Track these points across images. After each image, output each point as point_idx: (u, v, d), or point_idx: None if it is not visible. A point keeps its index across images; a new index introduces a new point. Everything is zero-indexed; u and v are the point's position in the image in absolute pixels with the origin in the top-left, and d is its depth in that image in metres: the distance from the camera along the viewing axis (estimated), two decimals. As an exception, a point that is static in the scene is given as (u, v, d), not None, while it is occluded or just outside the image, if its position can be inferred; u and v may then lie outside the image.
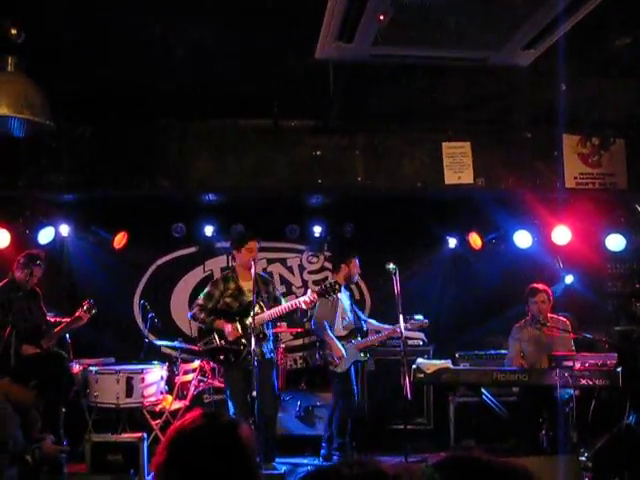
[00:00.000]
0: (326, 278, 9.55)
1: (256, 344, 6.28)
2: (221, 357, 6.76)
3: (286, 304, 6.67)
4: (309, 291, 6.61)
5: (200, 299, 6.95)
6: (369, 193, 7.67)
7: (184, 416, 2.16)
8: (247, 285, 6.70)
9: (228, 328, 6.62)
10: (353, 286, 8.93)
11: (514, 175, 7.34)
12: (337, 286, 6.56)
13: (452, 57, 4.55)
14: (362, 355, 7.47)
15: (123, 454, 5.50)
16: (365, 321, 7.69)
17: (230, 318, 6.68)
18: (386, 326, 7.58)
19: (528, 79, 5.83)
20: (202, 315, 6.82)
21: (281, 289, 9.33)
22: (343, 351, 7.22)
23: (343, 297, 7.45)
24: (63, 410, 6.59)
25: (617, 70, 5.80)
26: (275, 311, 6.61)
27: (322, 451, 7.38)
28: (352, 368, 7.37)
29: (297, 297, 7.13)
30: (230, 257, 8.61)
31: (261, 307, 6.64)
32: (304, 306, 6.56)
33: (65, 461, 5.82)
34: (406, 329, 7.07)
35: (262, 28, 4.90)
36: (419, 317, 7.33)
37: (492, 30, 4.13)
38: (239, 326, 6.61)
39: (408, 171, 7.22)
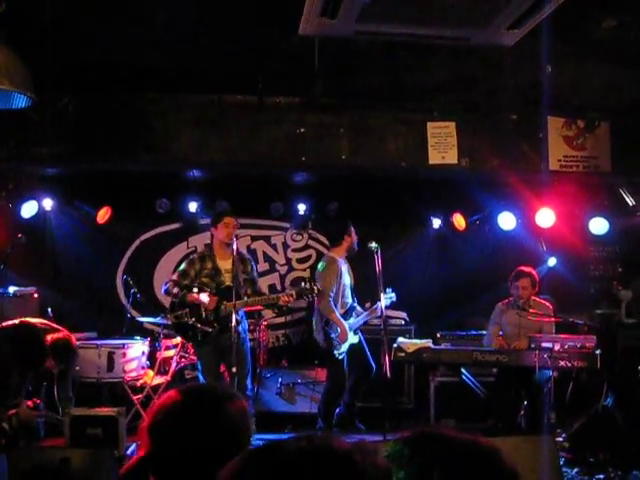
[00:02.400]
0: (310, 256, 9.57)
1: (224, 325, 6.33)
2: (190, 334, 6.77)
3: (263, 298, 6.64)
4: (287, 290, 6.61)
5: (175, 275, 6.95)
6: (353, 172, 7.66)
7: (165, 393, 2.11)
8: (225, 264, 6.69)
9: (205, 297, 6.62)
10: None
11: (498, 156, 7.34)
12: (316, 289, 6.55)
13: (437, 35, 4.54)
14: (355, 336, 7.38)
15: (102, 428, 5.49)
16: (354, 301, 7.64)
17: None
18: (362, 310, 7.57)
19: (514, 60, 5.82)
20: (175, 289, 6.79)
21: (265, 267, 9.34)
22: (349, 334, 7.18)
23: (345, 272, 7.34)
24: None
25: (603, 53, 5.79)
26: (251, 302, 6.61)
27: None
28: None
29: (280, 276, 7.07)
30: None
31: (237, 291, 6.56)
32: (281, 303, 6.55)
33: (42, 426, 5.84)
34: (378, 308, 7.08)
35: (246, 2, 4.87)
36: (389, 292, 7.25)
37: (477, 9, 4.12)
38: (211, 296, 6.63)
39: (392, 150, 7.21)
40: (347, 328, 7.14)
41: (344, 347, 7.20)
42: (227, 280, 6.62)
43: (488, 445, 1.39)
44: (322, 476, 0.99)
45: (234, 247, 6.43)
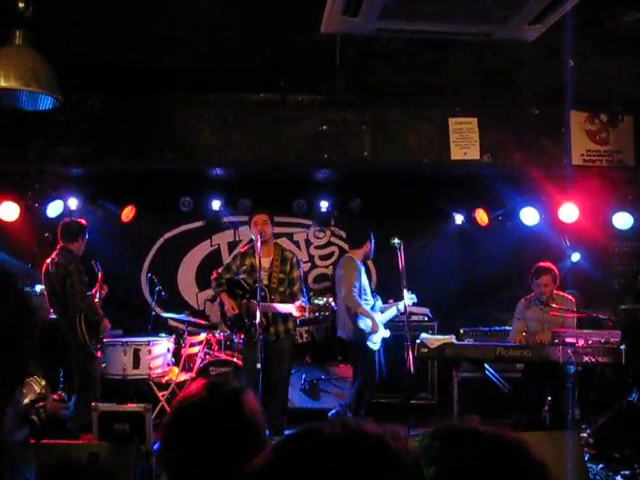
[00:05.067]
0: (332, 253, 9.60)
1: (260, 327, 6.32)
2: (228, 323, 6.85)
3: (280, 307, 6.56)
4: (303, 305, 6.52)
5: (221, 268, 7.04)
6: (376, 168, 7.67)
7: (188, 386, 2.16)
8: (264, 262, 6.63)
9: (227, 305, 6.69)
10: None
11: (521, 152, 7.31)
12: (329, 306, 6.48)
13: (458, 32, 4.53)
14: (386, 331, 7.40)
15: (130, 423, 5.55)
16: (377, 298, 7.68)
17: (240, 294, 6.71)
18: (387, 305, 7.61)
19: (536, 55, 5.81)
20: (214, 284, 6.92)
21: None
22: (380, 325, 7.21)
23: (362, 273, 7.38)
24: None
25: (626, 46, 5.76)
26: (271, 307, 6.53)
27: None
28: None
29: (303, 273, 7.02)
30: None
31: (270, 290, 6.60)
32: (295, 313, 6.51)
33: (67, 417, 5.93)
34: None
35: (269, 1, 4.90)
36: (410, 294, 7.27)
37: (499, 4, 4.11)
38: (241, 304, 6.65)
39: (414, 146, 7.21)
40: (377, 319, 7.17)
41: (377, 339, 7.22)
42: (264, 279, 6.58)
43: (516, 438, 1.39)
44: (357, 461, 1.00)
45: (258, 243, 6.43)
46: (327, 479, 0.97)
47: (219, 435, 1.99)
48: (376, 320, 7.16)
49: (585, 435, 6.35)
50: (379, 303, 7.54)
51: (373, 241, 7.49)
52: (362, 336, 7.16)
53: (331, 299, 6.59)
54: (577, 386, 6.60)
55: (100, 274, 7.05)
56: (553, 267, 7.03)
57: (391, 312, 7.48)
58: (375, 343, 7.21)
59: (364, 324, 7.14)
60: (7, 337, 1.23)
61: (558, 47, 5.35)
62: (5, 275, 1.31)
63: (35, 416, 4.03)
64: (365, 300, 7.28)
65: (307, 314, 6.51)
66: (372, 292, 7.56)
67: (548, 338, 6.66)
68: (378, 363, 7.32)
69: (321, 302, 6.51)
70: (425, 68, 6.38)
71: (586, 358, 6.39)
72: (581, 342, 6.41)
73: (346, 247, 8.81)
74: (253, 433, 2.04)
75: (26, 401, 4.06)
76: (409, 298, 7.22)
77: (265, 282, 6.61)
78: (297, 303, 6.51)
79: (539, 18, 4.29)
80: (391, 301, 7.63)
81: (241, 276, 6.77)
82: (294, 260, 6.86)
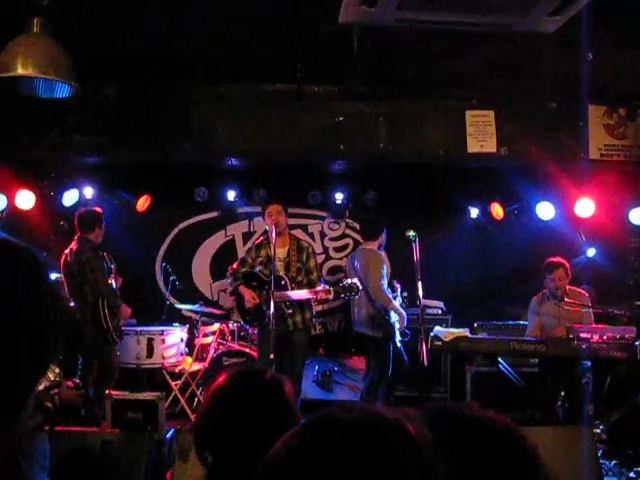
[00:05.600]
0: (347, 245, 9.58)
1: (278, 317, 6.32)
2: (247, 318, 6.82)
3: (302, 293, 6.52)
4: (327, 287, 6.54)
5: (235, 263, 7.03)
6: (391, 160, 7.64)
7: (219, 378, 2.17)
8: (280, 252, 6.64)
9: (247, 296, 6.68)
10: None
11: (538, 145, 7.26)
12: (355, 288, 6.44)
13: (477, 22, 4.50)
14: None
15: (143, 412, 5.58)
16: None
17: (255, 285, 6.70)
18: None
19: (553, 48, 5.76)
20: (230, 279, 6.90)
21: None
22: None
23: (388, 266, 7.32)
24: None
25: (646, 40, 5.71)
26: (289, 295, 6.49)
27: None
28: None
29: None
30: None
31: (290, 279, 6.58)
32: (318, 297, 6.50)
33: (82, 404, 5.96)
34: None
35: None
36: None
37: (518, -4, 4.09)
38: (259, 294, 6.63)
39: (431, 139, 7.18)
40: (405, 315, 7.15)
41: (400, 334, 7.20)
42: (280, 269, 6.60)
43: (507, 424, 1.36)
44: (380, 446, 1.00)
45: (273, 234, 6.43)
46: (350, 462, 0.97)
47: (261, 420, 2.02)
48: (404, 314, 7.13)
49: (599, 431, 6.33)
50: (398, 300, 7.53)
51: (385, 233, 7.48)
52: (390, 331, 7.10)
53: (356, 279, 6.58)
54: (591, 381, 6.57)
55: (114, 266, 7.09)
56: (564, 261, 6.99)
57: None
58: (399, 340, 7.19)
59: (392, 319, 7.09)
60: (35, 326, 1.23)
61: (576, 40, 5.30)
62: (34, 261, 1.29)
63: (50, 402, 4.07)
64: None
65: (332, 296, 6.50)
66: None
67: (563, 333, 6.62)
68: (395, 356, 7.29)
69: (346, 283, 6.50)
70: (442, 60, 6.35)
71: (601, 353, 6.35)
72: (596, 337, 6.37)
73: (361, 239, 8.80)
74: (292, 418, 2.08)
75: (40, 388, 4.10)
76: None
77: (283, 272, 6.61)
78: (320, 287, 6.50)
79: (559, 9, 4.25)
80: (405, 294, 7.64)
81: (257, 268, 6.77)
82: (310, 249, 6.87)
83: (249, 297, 6.64)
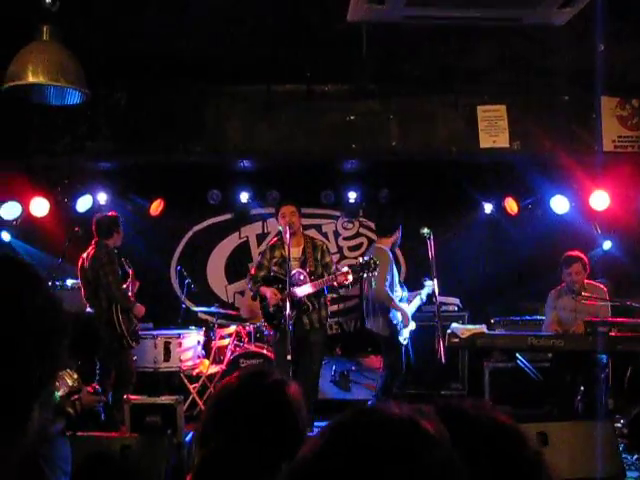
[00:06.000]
0: (361, 244, 9.57)
1: (298, 313, 6.36)
2: (274, 322, 6.77)
3: (319, 281, 6.53)
4: (345, 268, 6.55)
5: (252, 269, 7.04)
6: (403, 158, 7.60)
7: (231, 375, 2.20)
8: (295, 252, 6.66)
9: (268, 293, 6.66)
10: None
11: (551, 139, 7.21)
12: (373, 263, 6.41)
13: (487, 17, 4.47)
14: (413, 323, 7.34)
15: (161, 416, 5.59)
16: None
17: (276, 285, 6.69)
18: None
19: (565, 40, 5.72)
20: (250, 284, 6.92)
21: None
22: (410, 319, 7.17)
23: (394, 265, 7.29)
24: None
25: (658, 30, 5.66)
26: (306, 288, 6.50)
27: None
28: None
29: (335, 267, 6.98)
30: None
31: (308, 273, 6.59)
32: (336, 284, 6.53)
33: (102, 410, 5.98)
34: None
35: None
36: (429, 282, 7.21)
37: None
38: (280, 293, 6.61)
39: (443, 135, 7.15)
40: (408, 312, 7.14)
41: (406, 333, 7.18)
42: (295, 268, 6.61)
43: (509, 424, 1.35)
44: (399, 447, 1.01)
45: (287, 235, 6.44)
46: (372, 463, 0.99)
47: (261, 423, 2.01)
48: (407, 313, 7.12)
49: (620, 425, 6.28)
50: (405, 294, 7.49)
51: (400, 231, 7.46)
52: (393, 330, 7.10)
53: (374, 256, 6.58)
54: (610, 375, 6.52)
55: (131, 270, 7.12)
56: (582, 255, 6.93)
57: (416, 302, 7.43)
58: (405, 338, 7.17)
59: (396, 318, 7.09)
60: (35, 338, 1.26)
61: (588, 31, 5.26)
62: (33, 275, 1.34)
63: (71, 408, 4.08)
64: (395, 292, 7.24)
65: (351, 277, 6.44)
66: (400, 283, 7.51)
67: (581, 328, 6.58)
68: (405, 355, 7.27)
69: (363, 261, 6.48)
70: (452, 55, 6.33)
71: (619, 347, 6.30)
72: (614, 331, 6.33)
73: (375, 238, 8.78)
74: (295, 422, 2.06)
75: (60, 394, 4.11)
76: (428, 286, 7.19)
77: (300, 270, 6.63)
78: (339, 271, 6.50)
79: (569, 1, 4.22)
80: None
81: (273, 269, 6.77)
82: (324, 247, 6.90)
83: (271, 294, 6.62)
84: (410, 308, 7.30)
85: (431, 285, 7.00)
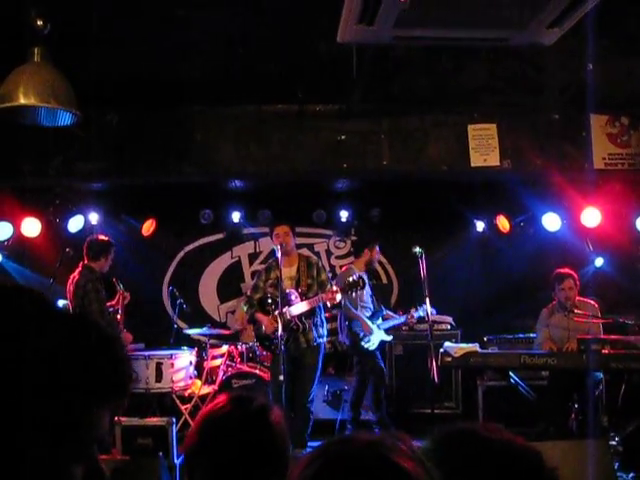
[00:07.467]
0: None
1: (290, 334, 6.37)
2: (266, 343, 6.83)
3: (310, 301, 6.56)
4: (334, 287, 6.59)
5: (249, 291, 7.08)
6: (395, 177, 7.64)
7: (214, 400, 2.19)
8: (288, 272, 6.71)
9: (265, 322, 6.68)
10: (380, 270, 8.99)
11: (541, 157, 7.23)
12: (361, 281, 6.52)
13: (475, 37, 4.49)
14: (387, 335, 7.62)
15: (153, 438, 5.56)
16: (382, 307, 7.77)
17: (273, 309, 6.66)
18: (394, 315, 7.85)
19: (554, 59, 5.75)
20: (246, 307, 6.95)
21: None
22: (372, 327, 7.32)
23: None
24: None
25: (646, 48, 5.69)
26: (301, 306, 6.53)
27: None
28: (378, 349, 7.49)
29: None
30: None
31: (300, 294, 6.63)
32: (328, 303, 6.57)
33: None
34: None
35: (284, 12, 4.90)
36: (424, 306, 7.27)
37: (515, 9, 4.07)
38: (276, 319, 6.58)
39: (433, 154, 7.16)
40: (368, 322, 7.33)
41: (373, 340, 7.34)
42: (290, 287, 6.65)
43: (525, 446, 1.34)
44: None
45: (279, 254, 6.46)
46: None
47: (245, 450, 2.00)
48: (367, 322, 7.32)
49: (614, 443, 6.26)
50: (380, 310, 7.75)
51: (377, 249, 7.62)
52: (356, 336, 7.33)
53: (364, 274, 6.74)
54: (604, 393, 6.50)
55: (121, 291, 7.10)
56: (573, 272, 6.98)
57: (393, 320, 7.77)
58: (373, 343, 7.37)
59: (357, 327, 7.31)
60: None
61: (577, 50, 5.29)
62: (44, 300, 1.28)
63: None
64: (362, 306, 7.46)
65: (338, 295, 6.48)
66: (373, 301, 7.68)
67: (575, 346, 6.58)
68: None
69: (351, 279, 6.54)
70: (442, 75, 6.35)
71: (613, 364, 6.30)
72: (607, 348, 6.33)
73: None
74: (278, 449, 2.05)
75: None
76: (422, 311, 7.35)
77: (293, 289, 6.67)
78: (325, 292, 6.54)
79: (558, 21, 4.24)
80: (413, 310, 7.69)
81: (268, 290, 6.76)
82: (319, 264, 7.00)
83: (267, 323, 6.65)
84: (384, 323, 7.59)
85: (424, 309, 7.10)
